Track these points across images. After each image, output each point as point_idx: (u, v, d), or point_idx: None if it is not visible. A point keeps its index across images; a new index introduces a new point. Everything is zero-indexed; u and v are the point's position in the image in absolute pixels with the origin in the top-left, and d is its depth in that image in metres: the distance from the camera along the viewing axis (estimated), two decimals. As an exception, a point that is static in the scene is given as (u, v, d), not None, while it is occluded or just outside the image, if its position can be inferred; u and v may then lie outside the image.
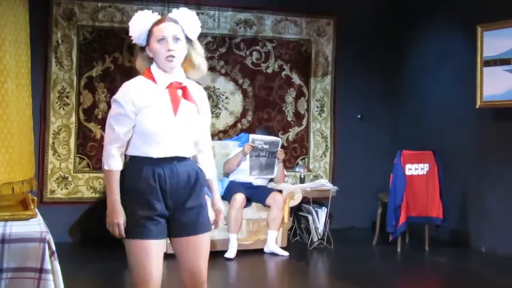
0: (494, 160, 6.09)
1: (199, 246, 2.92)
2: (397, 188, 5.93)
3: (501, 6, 5.85)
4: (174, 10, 2.88)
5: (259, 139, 6.08)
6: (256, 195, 6.00)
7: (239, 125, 6.90)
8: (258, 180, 6.16)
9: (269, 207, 5.93)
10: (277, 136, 6.98)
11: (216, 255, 5.69)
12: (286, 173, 6.51)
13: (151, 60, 2.84)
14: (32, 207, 3.10)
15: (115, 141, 2.76)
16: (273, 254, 5.85)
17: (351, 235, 6.98)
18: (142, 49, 2.87)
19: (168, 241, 2.90)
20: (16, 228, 2.73)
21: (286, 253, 5.84)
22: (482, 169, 6.22)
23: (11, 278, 2.63)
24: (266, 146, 6.08)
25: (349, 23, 7.20)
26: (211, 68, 6.77)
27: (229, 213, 5.74)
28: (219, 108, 6.83)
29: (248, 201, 5.90)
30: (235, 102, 6.90)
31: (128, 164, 2.81)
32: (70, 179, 6.33)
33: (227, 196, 5.90)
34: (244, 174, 6.09)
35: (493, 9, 5.93)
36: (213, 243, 5.82)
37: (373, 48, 7.32)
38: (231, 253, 5.68)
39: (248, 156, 6.03)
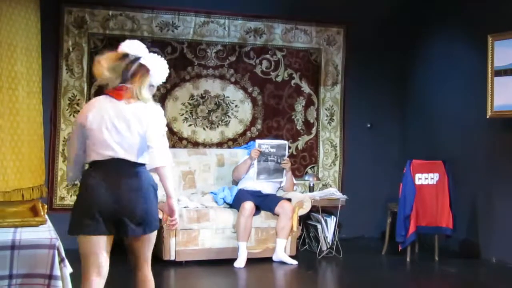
0: (504, 170, 6.05)
1: None
2: (407, 197, 5.91)
3: (512, 15, 5.84)
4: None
5: (265, 143, 6.09)
6: (265, 203, 5.98)
7: (248, 134, 6.91)
8: (267, 188, 6.14)
9: (278, 215, 5.92)
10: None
11: (225, 263, 5.68)
12: (295, 181, 6.49)
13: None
14: (42, 213, 3.11)
15: None
16: (282, 263, 5.83)
17: (360, 244, 6.95)
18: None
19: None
20: (26, 234, 2.74)
21: (294, 262, 5.82)
22: (493, 179, 6.19)
23: (21, 284, 2.64)
24: (273, 150, 6.08)
25: (359, 32, 7.20)
26: (221, 77, 6.79)
27: (238, 221, 5.73)
28: (229, 116, 6.84)
29: (258, 210, 5.89)
30: (244, 111, 6.90)
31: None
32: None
33: (236, 204, 5.89)
34: (253, 181, 6.08)
35: (504, 19, 5.90)
36: (222, 251, 5.82)
37: (383, 57, 7.32)
38: (240, 262, 5.66)
39: (255, 161, 6.03)
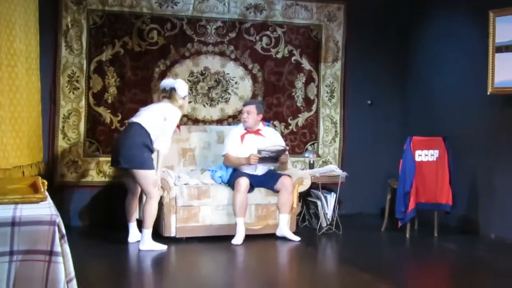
0: (504, 147, 6.06)
1: None
2: (407, 174, 5.92)
3: (514, -9, 5.78)
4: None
5: (265, 150, 5.87)
6: (265, 181, 5.98)
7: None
8: (261, 171, 6.09)
9: (278, 192, 5.93)
10: (286, 121, 6.98)
11: (225, 239, 5.72)
12: (296, 158, 6.49)
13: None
14: (42, 190, 3.12)
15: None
16: (282, 239, 5.86)
17: (360, 221, 6.99)
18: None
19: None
20: (27, 211, 2.74)
21: (297, 238, 5.84)
22: (493, 155, 6.19)
23: (22, 261, 2.65)
24: (273, 154, 5.92)
25: (360, 8, 7.15)
26: (221, 53, 6.76)
27: (235, 197, 5.74)
28: (229, 93, 6.82)
29: (251, 188, 5.89)
30: (244, 87, 6.88)
31: None
32: (79, 163, 6.35)
33: (231, 182, 5.89)
34: (249, 169, 6.02)
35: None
36: (222, 227, 5.85)
37: (383, 34, 7.28)
38: (238, 239, 5.69)
39: None
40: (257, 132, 6.11)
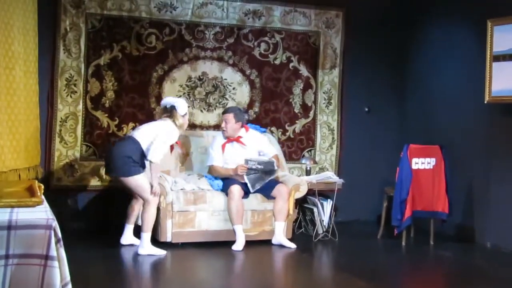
0: (501, 156, 6.07)
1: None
2: (403, 182, 5.92)
3: (512, 0, 5.81)
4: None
5: (252, 160, 5.89)
6: (261, 188, 5.94)
7: (245, 116, 6.87)
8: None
9: (274, 199, 5.91)
10: (284, 127, 6.98)
11: (221, 245, 5.70)
12: (292, 165, 6.47)
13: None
14: (39, 194, 3.11)
15: None
16: (279, 246, 5.84)
17: (356, 228, 6.98)
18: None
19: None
20: (23, 214, 2.74)
21: (293, 245, 5.82)
22: (489, 164, 6.20)
23: (17, 265, 2.64)
24: (261, 167, 5.89)
25: (358, 16, 7.17)
26: (219, 59, 6.76)
27: (229, 205, 5.72)
28: (226, 99, 6.82)
29: (246, 194, 5.87)
30: (242, 93, 6.88)
31: None
32: (76, 166, 6.34)
33: (225, 188, 5.87)
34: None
35: (504, 4, 5.87)
36: (218, 233, 5.84)
37: (382, 41, 7.29)
38: (239, 245, 5.67)
39: (244, 175, 5.89)
40: (237, 139, 6.07)
